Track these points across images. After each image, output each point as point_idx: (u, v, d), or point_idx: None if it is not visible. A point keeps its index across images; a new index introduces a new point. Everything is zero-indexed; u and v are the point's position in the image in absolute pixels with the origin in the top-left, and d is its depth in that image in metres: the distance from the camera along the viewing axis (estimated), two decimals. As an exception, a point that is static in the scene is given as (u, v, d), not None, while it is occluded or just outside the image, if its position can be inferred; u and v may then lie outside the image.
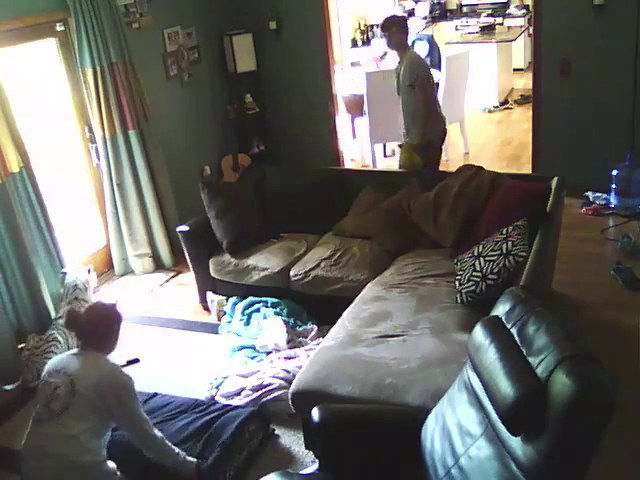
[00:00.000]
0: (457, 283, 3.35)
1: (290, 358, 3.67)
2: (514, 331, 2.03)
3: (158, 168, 5.10)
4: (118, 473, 2.75)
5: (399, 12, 9.79)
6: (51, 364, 2.79)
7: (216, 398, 3.55)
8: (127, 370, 2.90)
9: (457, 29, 9.97)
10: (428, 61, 8.21)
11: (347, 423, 2.43)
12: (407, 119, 4.77)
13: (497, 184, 3.87)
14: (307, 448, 3.04)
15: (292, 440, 3.19)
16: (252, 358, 3.80)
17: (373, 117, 6.41)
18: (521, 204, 3.54)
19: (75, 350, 2.81)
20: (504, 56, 9.04)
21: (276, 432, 3.25)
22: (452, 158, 6.68)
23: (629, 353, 3.39)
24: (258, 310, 4.11)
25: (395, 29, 4.62)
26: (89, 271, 4.46)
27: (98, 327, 2.77)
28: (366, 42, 9.16)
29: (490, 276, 3.17)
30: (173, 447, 2.79)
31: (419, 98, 4.60)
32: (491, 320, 2.14)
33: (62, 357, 2.84)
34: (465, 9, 10.65)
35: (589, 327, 3.64)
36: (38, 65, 4.64)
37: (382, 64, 7.86)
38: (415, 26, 8.98)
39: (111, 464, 2.73)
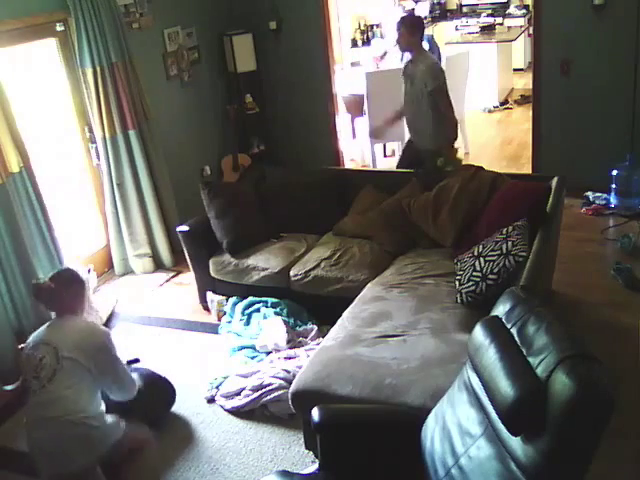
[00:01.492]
0: (457, 283, 3.35)
1: (290, 358, 3.67)
2: (514, 331, 2.03)
3: (158, 168, 5.11)
4: (122, 424, 2.83)
5: (399, 12, 9.80)
6: (32, 337, 2.91)
7: (216, 398, 3.56)
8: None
9: (457, 29, 9.97)
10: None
11: (347, 423, 2.44)
12: (425, 123, 4.65)
13: (497, 184, 3.87)
14: (307, 448, 3.04)
15: (292, 440, 3.19)
16: (252, 358, 3.81)
17: (373, 117, 6.41)
18: (521, 204, 3.54)
19: (50, 321, 2.92)
20: (504, 56, 9.04)
21: (276, 432, 3.26)
22: (452, 158, 6.67)
23: (629, 353, 3.39)
24: (258, 310, 4.11)
25: (403, 30, 4.54)
26: (89, 271, 4.46)
27: (67, 290, 2.88)
28: (366, 42, 9.16)
29: (490, 276, 3.17)
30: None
31: (442, 103, 4.54)
32: (491, 320, 2.14)
33: (40, 330, 2.93)
34: (465, 9, 10.65)
35: (589, 327, 3.64)
36: (38, 65, 4.63)
37: (382, 64, 7.86)
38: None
39: (111, 417, 2.82)
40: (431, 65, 4.54)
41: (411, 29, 4.55)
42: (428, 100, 4.54)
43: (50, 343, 2.77)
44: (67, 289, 2.89)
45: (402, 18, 4.71)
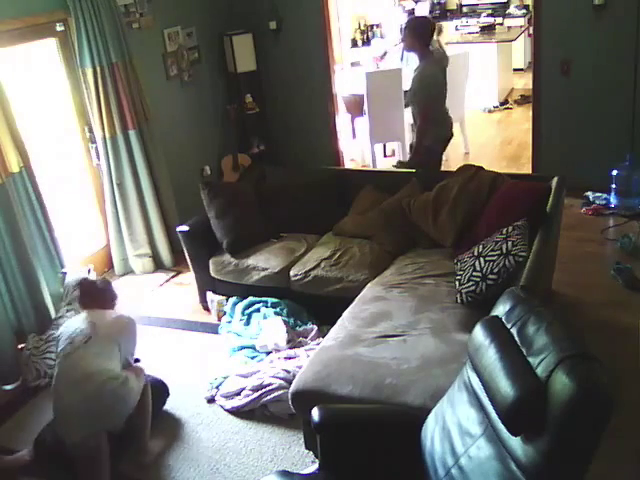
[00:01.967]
0: (457, 283, 3.35)
1: (290, 358, 3.67)
2: (514, 331, 2.03)
3: (158, 168, 5.10)
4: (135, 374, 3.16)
5: (399, 12, 9.81)
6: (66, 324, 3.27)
7: (216, 398, 3.56)
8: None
9: (457, 29, 9.96)
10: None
11: (347, 423, 2.43)
12: (416, 119, 4.72)
13: (497, 184, 3.87)
14: (307, 448, 3.04)
15: (292, 440, 3.19)
16: (252, 358, 3.81)
17: (373, 117, 6.42)
18: (521, 204, 3.54)
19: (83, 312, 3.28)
20: (504, 56, 9.04)
21: (276, 432, 3.26)
22: (452, 158, 6.68)
23: (629, 353, 3.39)
24: (258, 310, 4.11)
25: (407, 32, 4.55)
26: (89, 271, 4.46)
27: (106, 292, 3.40)
28: (366, 42, 9.16)
29: (490, 276, 3.16)
30: None
31: (421, 115, 4.55)
32: (491, 320, 2.14)
33: (76, 316, 3.33)
34: (465, 9, 10.65)
35: (589, 327, 3.64)
36: (38, 65, 4.63)
37: (382, 64, 7.86)
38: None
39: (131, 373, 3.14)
40: (422, 75, 4.51)
41: (414, 32, 4.53)
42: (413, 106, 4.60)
43: (88, 319, 3.15)
44: (107, 291, 3.40)
45: (408, 21, 4.70)
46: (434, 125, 4.59)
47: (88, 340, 3.04)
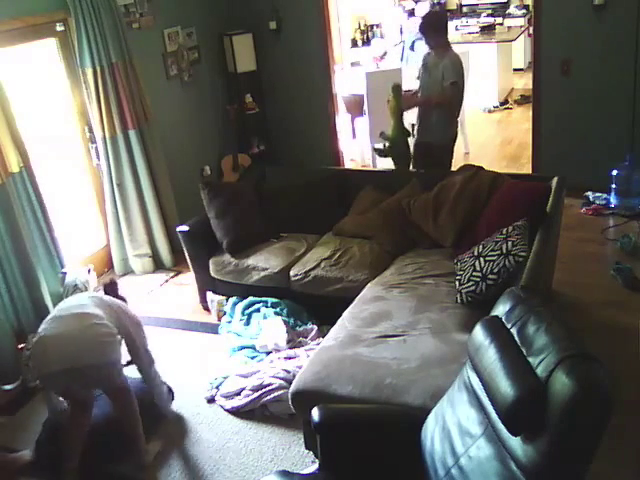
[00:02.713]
0: (457, 283, 3.35)
1: (290, 358, 3.67)
2: (514, 331, 2.03)
3: (158, 168, 5.11)
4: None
5: (399, 12, 9.80)
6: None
7: (216, 398, 3.56)
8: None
9: (457, 29, 9.96)
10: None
11: (347, 423, 2.43)
12: (437, 116, 4.70)
13: (497, 184, 3.87)
14: (307, 448, 3.04)
15: (292, 440, 3.19)
16: (252, 358, 3.81)
17: (373, 117, 6.41)
18: (521, 204, 3.54)
19: None
20: (504, 56, 9.04)
21: (276, 432, 3.26)
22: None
23: (629, 353, 3.39)
24: (258, 310, 4.11)
25: (430, 32, 4.62)
26: (89, 271, 4.46)
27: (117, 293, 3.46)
28: (366, 42, 9.16)
29: (490, 276, 3.17)
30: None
31: (451, 99, 4.56)
32: (491, 320, 2.14)
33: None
34: (465, 9, 10.65)
35: (589, 327, 3.64)
36: (38, 65, 4.63)
37: (382, 64, 7.86)
38: (415, 26, 8.98)
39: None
40: (456, 61, 4.56)
41: (435, 29, 4.60)
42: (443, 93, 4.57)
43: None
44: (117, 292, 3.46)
45: (422, 21, 4.71)
46: (451, 123, 4.60)
47: (86, 302, 3.10)
